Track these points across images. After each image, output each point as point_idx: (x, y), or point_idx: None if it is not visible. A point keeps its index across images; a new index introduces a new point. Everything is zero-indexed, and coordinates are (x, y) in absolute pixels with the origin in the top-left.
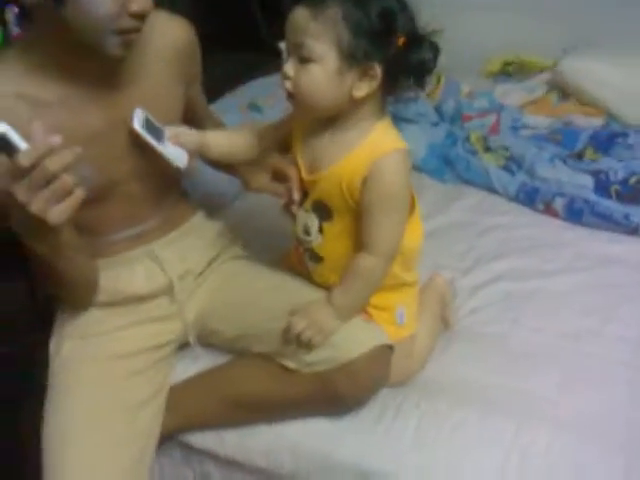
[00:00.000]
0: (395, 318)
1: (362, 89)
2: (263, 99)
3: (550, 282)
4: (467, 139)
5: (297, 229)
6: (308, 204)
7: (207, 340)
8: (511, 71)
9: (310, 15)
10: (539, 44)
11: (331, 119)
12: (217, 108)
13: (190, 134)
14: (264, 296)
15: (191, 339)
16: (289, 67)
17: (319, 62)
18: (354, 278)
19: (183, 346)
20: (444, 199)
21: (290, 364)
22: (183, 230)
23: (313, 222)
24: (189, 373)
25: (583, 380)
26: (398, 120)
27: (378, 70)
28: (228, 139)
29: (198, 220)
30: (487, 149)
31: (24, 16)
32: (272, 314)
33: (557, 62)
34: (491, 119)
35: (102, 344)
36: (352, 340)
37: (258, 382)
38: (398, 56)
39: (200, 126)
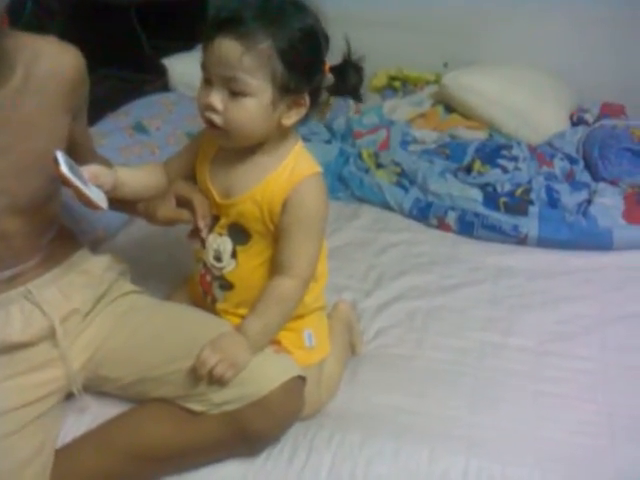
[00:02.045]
0: (303, 341)
1: (291, 118)
2: (148, 120)
3: (450, 298)
4: (359, 156)
5: (207, 255)
6: (222, 228)
7: (99, 387)
8: (397, 86)
9: (242, 49)
10: (420, 58)
11: (250, 145)
12: (100, 129)
13: (107, 173)
14: (162, 334)
15: (75, 390)
16: (216, 100)
17: (253, 96)
18: (270, 302)
19: (70, 395)
20: (340, 218)
21: (196, 407)
22: (65, 267)
23: (226, 246)
24: (82, 426)
25: (491, 397)
26: None
27: (307, 99)
28: (138, 176)
29: (81, 255)
30: (379, 166)
31: None
32: (173, 354)
33: (439, 76)
34: (382, 135)
35: None
36: (263, 375)
37: (163, 430)
38: (325, 82)
39: (85, 162)
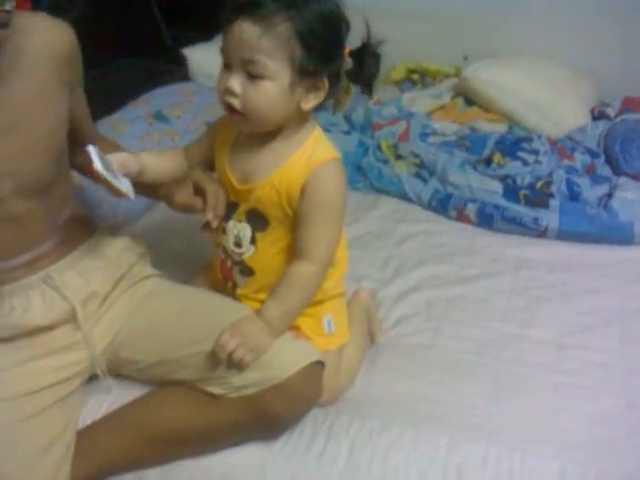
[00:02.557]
0: (323, 327)
1: (310, 101)
2: (169, 109)
3: (469, 288)
4: (378, 147)
5: (227, 241)
6: (241, 214)
7: (119, 370)
8: (416, 79)
9: (260, 31)
10: (439, 51)
11: (269, 130)
12: (121, 117)
13: (133, 161)
14: (183, 317)
15: (99, 371)
16: (235, 83)
17: (272, 79)
18: (289, 287)
19: (92, 378)
20: (359, 208)
21: (216, 390)
22: (82, 250)
23: (245, 232)
24: (102, 408)
25: (510, 387)
26: None
27: (326, 82)
28: (160, 161)
29: (98, 238)
30: (398, 157)
31: None
32: (193, 336)
33: (458, 69)
34: (401, 127)
35: None
36: (283, 360)
37: (182, 413)
38: (344, 66)
39: (88, 142)
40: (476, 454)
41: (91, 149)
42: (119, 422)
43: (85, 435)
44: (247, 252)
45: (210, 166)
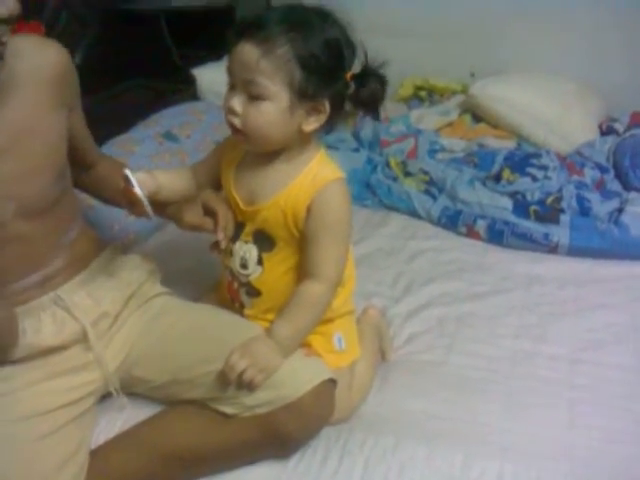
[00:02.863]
0: (333, 344)
1: (311, 124)
2: (178, 128)
3: (480, 305)
4: (387, 164)
5: (233, 263)
6: (248, 234)
7: (132, 388)
8: (423, 96)
9: (260, 53)
10: (446, 68)
11: (273, 151)
12: (131, 137)
13: (151, 180)
14: (194, 336)
15: (113, 390)
16: (236, 103)
17: (271, 100)
18: (299, 307)
19: (105, 397)
20: (368, 225)
21: (228, 409)
22: (92, 269)
23: (252, 253)
24: (115, 427)
25: (524, 404)
26: None
27: (327, 105)
28: (171, 179)
29: (108, 256)
30: (407, 174)
31: None
32: (205, 355)
33: (465, 86)
34: (409, 144)
35: (9, 405)
36: (296, 378)
37: (194, 432)
38: (347, 90)
39: (89, 160)
40: (491, 471)
41: (129, 173)
42: (132, 441)
43: (98, 454)
44: (253, 273)
45: (217, 185)
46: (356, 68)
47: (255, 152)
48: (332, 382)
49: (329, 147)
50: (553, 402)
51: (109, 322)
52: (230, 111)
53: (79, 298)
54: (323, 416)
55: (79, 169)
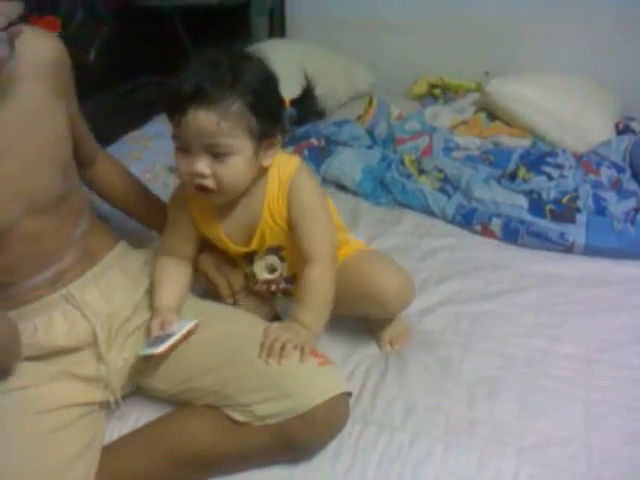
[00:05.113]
0: (356, 239)
1: (269, 158)
2: None
3: (495, 304)
4: (401, 162)
5: (261, 275)
6: (261, 254)
7: (143, 394)
8: (438, 94)
9: (217, 116)
10: (461, 66)
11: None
12: (147, 132)
13: (173, 316)
14: (205, 344)
15: (113, 402)
16: (203, 166)
17: (237, 154)
18: (309, 291)
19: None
20: (382, 223)
21: (239, 417)
22: (103, 265)
23: (273, 259)
24: (129, 423)
25: (541, 403)
26: (333, 144)
27: (279, 137)
28: (179, 289)
29: (120, 251)
30: (421, 172)
31: None
32: (217, 362)
33: (480, 84)
34: (424, 141)
35: (25, 399)
36: (308, 390)
37: (205, 437)
38: (291, 116)
39: (84, 153)
40: (507, 471)
41: (140, 354)
42: (142, 441)
43: (110, 451)
44: (283, 268)
45: (200, 240)
46: (294, 91)
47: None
48: (347, 395)
49: (343, 144)
50: (570, 402)
51: (119, 322)
52: (198, 175)
53: (90, 296)
54: (337, 426)
55: (77, 165)
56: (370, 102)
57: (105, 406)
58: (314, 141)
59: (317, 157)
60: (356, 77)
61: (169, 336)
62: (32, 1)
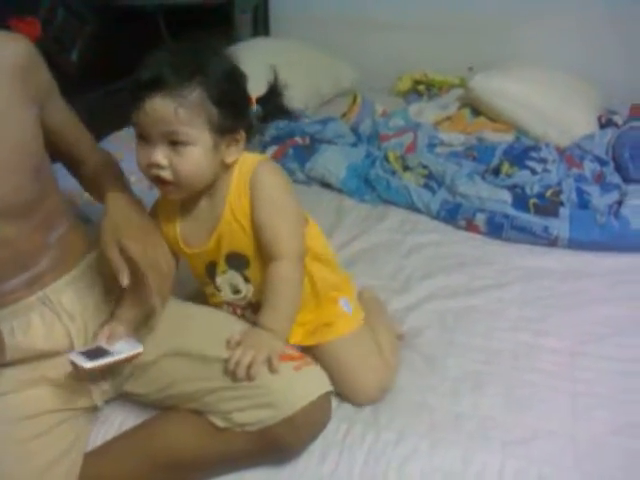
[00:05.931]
0: (342, 309)
1: (232, 155)
2: None
3: (480, 299)
4: (385, 159)
5: (225, 295)
6: (222, 266)
7: (128, 397)
8: (422, 90)
9: (175, 104)
10: (444, 62)
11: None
12: (128, 134)
13: (119, 326)
14: (182, 354)
15: (98, 403)
16: (160, 156)
17: (195, 144)
18: (274, 291)
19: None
20: (367, 220)
21: (219, 422)
22: (81, 268)
23: (236, 278)
24: (109, 430)
25: (526, 397)
26: (317, 142)
27: (243, 134)
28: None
29: (98, 253)
30: (406, 168)
31: None
32: (197, 370)
33: (464, 80)
34: (408, 138)
35: (4, 406)
36: (286, 397)
37: (190, 439)
38: (256, 113)
39: (74, 152)
40: (493, 466)
41: (70, 357)
42: (125, 446)
43: (91, 457)
44: (247, 293)
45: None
46: (260, 89)
47: (182, 198)
48: (328, 393)
49: (327, 142)
50: (555, 396)
51: (96, 325)
52: (153, 165)
53: (67, 299)
54: (320, 425)
55: (69, 164)
56: (354, 99)
57: (90, 410)
58: (298, 139)
59: (302, 155)
60: (340, 74)
61: (107, 354)
62: (12, 2)
